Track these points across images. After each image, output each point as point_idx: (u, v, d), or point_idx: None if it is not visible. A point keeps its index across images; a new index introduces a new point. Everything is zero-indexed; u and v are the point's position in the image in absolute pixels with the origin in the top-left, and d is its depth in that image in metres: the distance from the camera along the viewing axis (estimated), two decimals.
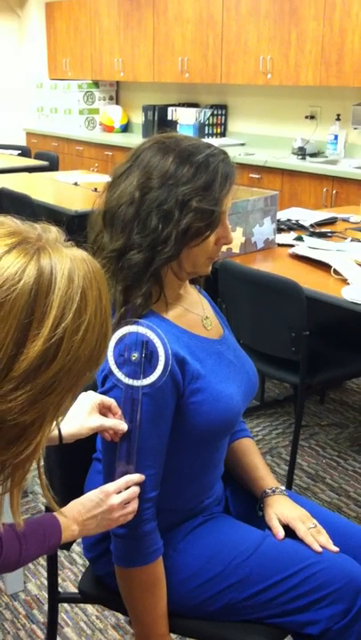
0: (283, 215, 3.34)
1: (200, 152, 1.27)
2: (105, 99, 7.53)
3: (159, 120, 6.38)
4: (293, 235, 3.04)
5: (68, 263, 0.81)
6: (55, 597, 1.55)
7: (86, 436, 1.25)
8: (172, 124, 6.14)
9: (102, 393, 1.28)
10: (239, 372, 1.40)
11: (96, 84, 7.45)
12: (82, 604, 2.07)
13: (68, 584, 2.14)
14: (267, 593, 1.32)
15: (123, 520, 1.24)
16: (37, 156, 6.20)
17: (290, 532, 1.41)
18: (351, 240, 2.97)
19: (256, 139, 5.92)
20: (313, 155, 5.18)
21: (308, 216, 3.36)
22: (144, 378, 1.23)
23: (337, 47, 4.76)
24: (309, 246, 2.81)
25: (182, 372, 1.27)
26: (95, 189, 4.16)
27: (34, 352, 0.77)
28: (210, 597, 1.34)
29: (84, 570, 1.54)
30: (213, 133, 6.15)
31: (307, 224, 3.21)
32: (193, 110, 6.16)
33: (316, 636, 1.32)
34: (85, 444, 1.33)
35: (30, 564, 2.20)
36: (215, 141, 5.78)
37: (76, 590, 1.52)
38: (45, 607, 1.85)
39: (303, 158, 5.10)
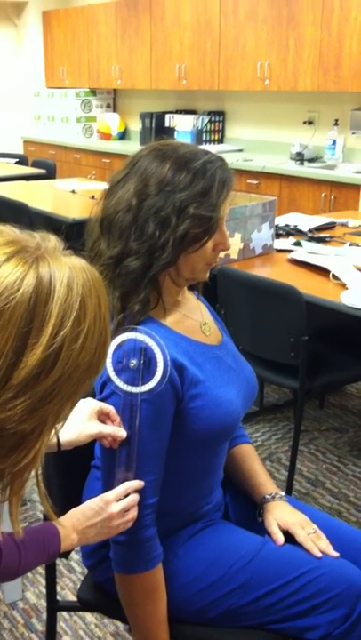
0: (281, 220, 3.34)
1: (197, 159, 1.27)
2: (102, 106, 7.55)
3: (157, 127, 6.39)
4: (292, 240, 3.04)
5: (67, 271, 0.81)
6: (54, 606, 1.55)
7: (85, 442, 1.25)
8: (170, 131, 6.15)
9: (101, 400, 1.27)
10: (238, 378, 1.40)
11: (93, 91, 7.47)
12: (81, 613, 2.07)
13: (67, 592, 2.13)
14: (267, 598, 1.32)
15: (122, 528, 1.24)
16: (35, 164, 6.21)
17: (290, 537, 1.40)
18: (350, 245, 2.97)
19: (254, 144, 5.93)
20: (311, 160, 5.19)
21: (306, 221, 3.36)
22: (143, 384, 1.23)
23: (335, 52, 4.78)
24: (308, 251, 2.81)
25: (181, 377, 1.27)
26: (93, 197, 4.17)
27: (33, 360, 0.77)
28: (210, 603, 1.33)
29: (82, 578, 1.54)
30: (211, 140, 6.16)
31: (305, 229, 3.21)
32: (190, 117, 6.17)
33: None
34: (84, 451, 1.33)
35: (29, 573, 2.19)
36: (213, 148, 5.79)
37: (75, 599, 1.52)
38: (44, 616, 1.84)
39: (301, 163, 5.11)
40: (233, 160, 5.22)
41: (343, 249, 2.89)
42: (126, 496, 1.24)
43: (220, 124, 6.21)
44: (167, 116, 6.39)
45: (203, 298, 1.50)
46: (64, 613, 2.06)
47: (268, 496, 1.48)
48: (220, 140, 6.22)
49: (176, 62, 6.13)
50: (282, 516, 1.43)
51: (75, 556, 2.25)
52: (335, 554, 1.37)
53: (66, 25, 7.56)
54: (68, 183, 4.99)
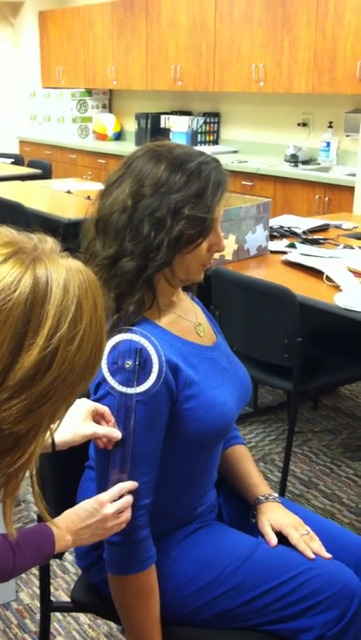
0: (275, 222, 3.35)
1: (192, 160, 1.27)
2: (98, 107, 7.55)
3: (152, 128, 6.39)
4: (286, 242, 3.05)
5: (64, 273, 0.82)
6: (47, 606, 1.55)
7: (80, 443, 1.25)
8: (165, 132, 6.16)
9: (95, 400, 1.27)
10: (232, 379, 1.41)
11: (89, 92, 7.47)
12: (74, 614, 2.06)
13: (61, 593, 2.13)
14: (260, 600, 1.32)
15: (117, 529, 1.24)
16: (30, 164, 6.21)
17: (283, 538, 1.41)
18: (343, 247, 2.98)
19: (249, 146, 5.94)
20: (305, 162, 5.20)
21: (300, 223, 3.37)
22: (138, 385, 1.23)
23: (329, 55, 4.79)
24: (302, 253, 2.82)
25: (176, 378, 1.27)
26: (88, 197, 4.17)
27: (29, 361, 0.78)
28: (203, 604, 1.34)
29: (76, 579, 1.54)
30: (206, 141, 6.17)
31: (299, 231, 3.22)
32: (186, 118, 6.18)
33: None
34: (78, 452, 1.33)
35: (23, 574, 2.19)
36: (208, 149, 5.79)
37: (69, 599, 1.52)
38: (38, 616, 1.84)
39: (296, 165, 5.12)
40: (228, 161, 5.23)
41: (337, 251, 2.89)
42: (120, 497, 1.24)
43: (216, 126, 6.22)
44: (163, 116, 6.40)
45: (197, 299, 1.50)
46: (58, 614, 2.06)
47: (261, 497, 1.48)
48: (215, 142, 6.23)
49: (172, 63, 6.14)
50: (275, 517, 1.44)
51: (69, 556, 2.25)
52: (328, 555, 1.37)
53: (62, 25, 7.55)
54: (64, 183, 4.99)
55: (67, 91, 7.43)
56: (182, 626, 1.36)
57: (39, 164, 6.11)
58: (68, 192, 4.60)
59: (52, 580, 2.09)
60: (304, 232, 3.21)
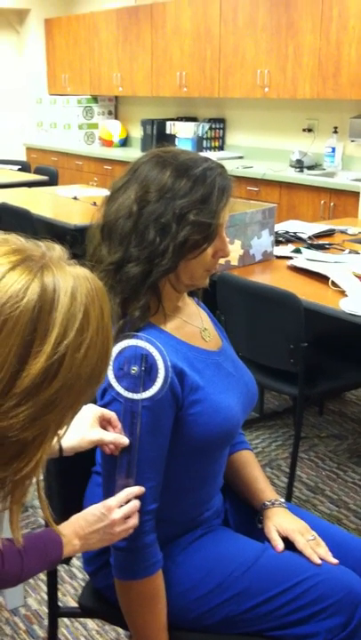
0: (281, 227, 3.35)
1: (197, 166, 1.28)
2: (104, 113, 7.58)
3: (158, 134, 6.41)
4: (291, 247, 3.05)
5: (71, 281, 0.82)
6: (55, 612, 1.55)
7: (87, 449, 1.25)
8: (171, 138, 6.17)
9: (102, 406, 1.28)
10: (238, 384, 1.41)
11: (95, 98, 7.50)
12: (82, 619, 2.06)
13: (69, 599, 2.13)
14: (266, 605, 1.32)
15: (124, 534, 1.24)
16: (37, 171, 6.23)
17: (289, 544, 1.40)
18: (349, 252, 2.98)
19: (254, 152, 5.95)
20: (311, 167, 5.21)
21: (306, 228, 3.37)
22: (144, 391, 1.23)
23: (334, 60, 4.80)
24: (307, 258, 2.82)
25: (181, 383, 1.27)
26: (94, 203, 4.18)
27: (36, 369, 0.78)
28: (209, 610, 1.34)
29: (84, 584, 1.54)
30: (211, 147, 6.18)
31: (305, 236, 3.22)
32: (191, 124, 6.19)
33: None
34: (85, 457, 1.34)
35: (30, 579, 2.19)
36: (213, 155, 5.81)
37: (77, 605, 1.52)
38: (46, 622, 1.84)
39: (301, 171, 5.13)
40: (233, 167, 5.24)
41: (342, 256, 2.89)
42: (127, 502, 1.24)
43: (221, 132, 6.23)
44: (168, 123, 6.42)
45: (202, 304, 1.51)
46: (65, 620, 2.06)
47: (267, 502, 1.48)
48: (221, 147, 6.24)
49: (177, 70, 6.16)
50: (281, 522, 1.44)
51: (76, 562, 2.25)
52: (334, 561, 1.37)
53: (67, 32, 7.59)
54: (70, 190, 5.01)
55: (73, 97, 7.46)
56: (187, 631, 1.36)
57: (45, 170, 6.14)
58: (75, 198, 4.62)
59: (59, 586, 2.10)
60: (309, 237, 3.22)
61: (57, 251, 0.86)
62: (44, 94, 8.02)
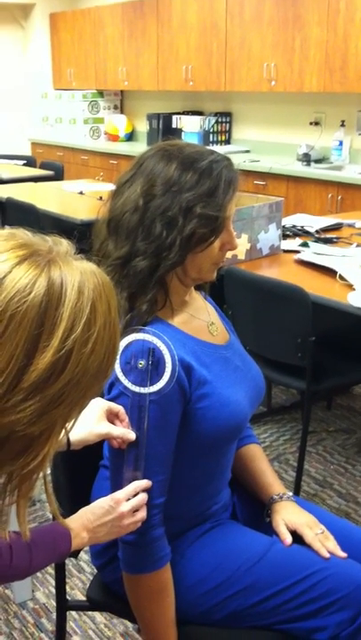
0: (288, 221, 3.34)
1: (203, 158, 1.27)
2: (110, 108, 7.57)
3: (164, 128, 6.40)
4: (299, 241, 3.04)
5: (78, 276, 0.82)
6: (63, 605, 1.55)
7: (94, 442, 1.26)
8: (177, 132, 6.16)
9: (109, 400, 1.28)
10: (246, 378, 1.40)
11: (100, 93, 7.49)
12: (90, 613, 2.07)
13: (77, 592, 2.14)
14: (274, 599, 1.32)
15: (133, 527, 1.24)
16: (43, 166, 6.23)
17: (297, 538, 1.40)
18: (357, 246, 2.97)
19: (261, 145, 5.93)
20: (318, 161, 5.19)
21: (313, 222, 3.36)
22: (151, 385, 1.23)
23: (341, 53, 4.77)
24: (315, 252, 2.81)
25: (189, 378, 1.27)
26: (100, 198, 4.18)
27: (43, 363, 0.78)
28: (217, 604, 1.34)
29: (92, 578, 1.54)
30: (218, 141, 6.17)
31: (312, 230, 3.21)
32: (197, 118, 6.18)
33: None
34: (92, 451, 1.34)
35: (38, 573, 2.20)
36: (220, 149, 5.79)
37: (85, 598, 1.52)
38: (54, 616, 1.85)
39: (308, 164, 5.10)
40: (240, 161, 5.22)
41: (350, 250, 2.88)
42: (135, 495, 1.24)
43: (227, 125, 6.21)
44: (174, 117, 6.40)
45: (210, 298, 1.50)
46: (74, 613, 2.06)
47: (275, 496, 1.48)
48: (227, 141, 6.22)
49: (183, 64, 6.14)
50: (290, 516, 1.43)
51: (84, 556, 2.25)
52: (343, 555, 1.37)
53: (73, 27, 7.58)
54: (76, 185, 5.01)
55: (78, 92, 7.45)
56: (196, 625, 1.36)
57: (51, 165, 6.14)
58: (81, 193, 4.62)
59: (67, 580, 2.10)
60: (317, 231, 3.20)
61: (64, 245, 0.86)
62: (50, 89, 8.02)
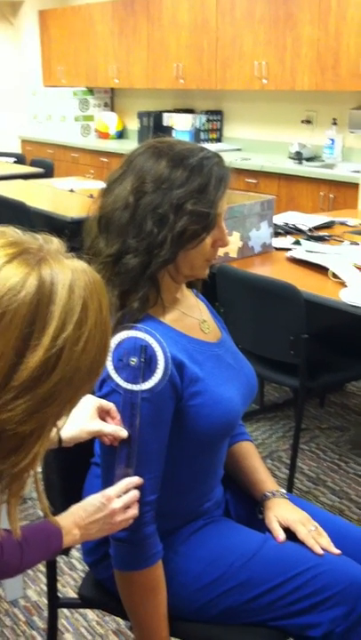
0: (280, 219, 3.34)
1: (194, 155, 1.27)
2: (100, 105, 7.55)
3: (155, 126, 6.39)
4: (291, 239, 3.04)
5: (69, 274, 0.82)
6: (55, 603, 1.55)
7: (85, 439, 1.25)
8: (168, 130, 6.15)
9: (100, 397, 1.27)
10: (238, 375, 1.40)
11: (91, 90, 7.47)
12: (82, 610, 2.07)
13: (69, 590, 2.13)
14: (268, 596, 1.32)
15: (124, 524, 1.24)
16: (33, 164, 6.21)
17: (291, 535, 1.40)
18: (349, 243, 2.97)
19: (252, 144, 5.93)
20: (310, 159, 5.19)
21: (305, 220, 3.36)
22: (143, 382, 1.23)
23: (333, 51, 4.78)
24: (307, 250, 2.81)
25: (181, 375, 1.27)
26: (91, 196, 4.16)
27: (34, 362, 0.78)
28: (211, 600, 1.33)
29: (84, 575, 1.54)
30: (209, 139, 6.16)
31: (304, 228, 3.21)
32: (189, 116, 6.17)
33: (318, 639, 1.31)
34: (83, 448, 1.33)
35: (30, 571, 2.19)
36: (211, 147, 5.76)
37: (77, 596, 1.52)
38: (45, 613, 1.85)
39: (300, 163, 5.11)
40: (231, 159, 5.22)
41: (342, 247, 2.89)
42: (127, 492, 1.24)
43: (219, 124, 6.21)
44: (165, 115, 6.40)
45: (202, 296, 1.50)
46: (65, 611, 2.06)
47: (268, 493, 1.48)
48: (219, 140, 6.22)
49: (173, 61, 6.13)
50: (282, 513, 1.43)
51: (76, 553, 2.25)
52: (337, 551, 1.37)
53: (63, 24, 7.56)
54: (67, 182, 5.00)
55: (68, 89, 7.43)
56: (190, 622, 1.36)
57: (41, 162, 6.12)
58: (71, 191, 4.61)
59: (59, 577, 2.10)
60: (309, 229, 3.21)
61: (54, 244, 0.86)
62: (40, 86, 7.99)
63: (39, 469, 0.92)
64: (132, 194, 1.25)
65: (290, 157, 5.23)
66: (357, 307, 2.22)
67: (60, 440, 1.22)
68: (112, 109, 7.60)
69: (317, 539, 1.38)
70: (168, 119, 6.35)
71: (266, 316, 2.46)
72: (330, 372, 2.57)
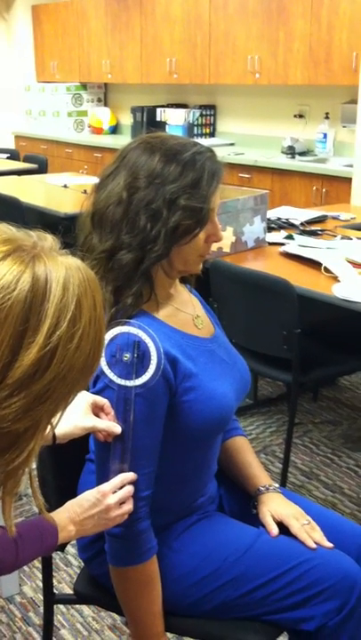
0: (273, 214, 3.34)
1: (186, 150, 1.27)
2: (93, 101, 7.53)
3: (148, 121, 6.38)
4: (284, 233, 3.04)
5: (63, 271, 0.82)
6: (50, 599, 1.55)
7: (80, 436, 1.25)
8: (161, 125, 6.14)
9: (94, 394, 1.27)
10: (231, 370, 1.41)
11: (84, 86, 7.45)
12: (78, 606, 2.07)
13: (64, 586, 2.14)
14: (262, 590, 1.32)
15: (120, 520, 1.24)
16: (26, 159, 6.19)
17: (284, 529, 1.41)
18: (341, 238, 2.98)
19: (245, 138, 5.93)
20: (302, 153, 5.19)
21: (298, 214, 3.37)
22: (136, 378, 1.23)
23: (325, 46, 4.77)
24: (300, 244, 2.82)
25: (174, 370, 1.27)
26: (85, 191, 4.15)
27: (28, 359, 0.78)
28: (205, 595, 1.34)
29: (79, 571, 1.54)
30: (203, 134, 6.15)
31: (297, 222, 3.22)
32: (182, 111, 6.16)
33: (311, 633, 1.32)
34: (78, 445, 1.33)
35: (25, 567, 2.20)
36: (204, 142, 5.77)
37: (72, 592, 1.52)
38: (41, 609, 1.85)
39: (293, 157, 5.11)
40: (225, 154, 5.21)
41: (335, 242, 2.89)
42: (122, 488, 1.24)
43: (212, 118, 6.20)
44: (158, 110, 6.38)
45: (195, 291, 1.50)
46: (61, 607, 2.06)
47: (262, 488, 1.48)
48: (212, 134, 6.21)
49: (167, 56, 6.11)
50: (276, 507, 1.44)
51: (71, 549, 2.25)
52: (330, 545, 1.37)
53: (56, 19, 7.52)
54: (60, 178, 4.98)
55: (61, 85, 7.40)
56: (184, 617, 1.37)
57: (35, 158, 6.10)
58: (65, 186, 4.59)
59: (54, 573, 2.10)
60: (302, 223, 3.21)
61: (48, 241, 0.86)
62: (33, 82, 7.95)
63: (34, 466, 0.92)
64: (125, 189, 1.25)
65: (283, 152, 5.23)
66: (350, 301, 2.23)
67: (54, 437, 1.22)
68: (105, 105, 7.58)
69: (310, 533, 1.39)
70: (161, 114, 6.34)
71: (259, 310, 2.47)
72: (323, 367, 2.58)
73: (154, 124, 6.20)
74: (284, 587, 1.32)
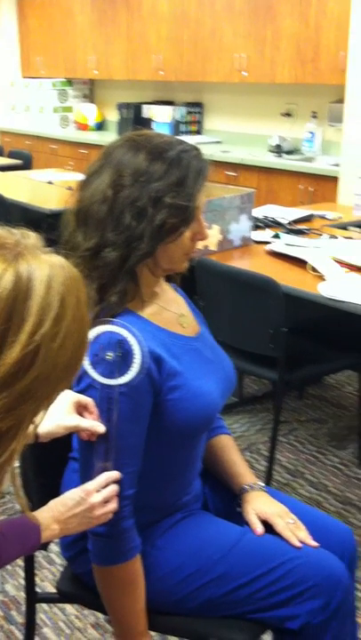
0: (259, 212, 3.34)
1: (172, 148, 1.27)
2: (79, 97, 7.49)
3: (134, 118, 6.36)
4: (270, 232, 3.04)
5: (47, 269, 0.81)
6: (33, 598, 1.54)
7: (62, 434, 1.25)
8: (148, 122, 6.13)
9: (78, 392, 1.27)
10: (217, 369, 1.40)
11: (70, 81, 7.41)
12: (61, 604, 2.06)
13: (47, 584, 2.13)
14: (246, 588, 1.32)
15: (104, 519, 1.24)
16: (11, 155, 6.15)
17: (269, 528, 1.41)
18: (328, 237, 2.98)
19: (232, 136, 5.93)
20: (289, 152, 5.20)
21: (284, 213, 3.37)
22: (120, 377, 1.23)
23: (313, 44, 4.78)
24: (286, 243, 2.82)
25: (159, 369, 1.27)
26: (70, 188, 4.13)
27: (11, 358, 0.77)
28: (189, 593, 1.34)
29: (62, 570, 1.53)
30: (189, 131, 6.15)
31: (284, 221, 3.22)
32: (168, 108, 6.15)
33: (295, 631, 1.32)
34: (61, 443, 1.33)
35: (8, 565, 2.18)
36: (191, 139, 5.76)
37: (55, 590, 1.51)
38: (24, 608, 1.84)
39: (280, 156, 5.11)
40: (211, 152, 5.21)
41: (321, 241, 2.90)
42: (106, 486, 1.23)
43: (199, 116, 6.19)
44: (145, 106, 6.37)
45: (180, 290, 1.50)
46: (44, 605, 2.05)
47: (246, 486, 1.48)
48: (199, 132, 6.20)
49: (153, 53, 6.10)
50: (261, 506, 1.44)
51: (54, 547, 2.24)
52: (314, 544, 1.38)
53: (41, 14, 7.48)
54: (45, 174, 4.96)
55: (47, 80, 7.36)
56: (168, 615, 1.37)
57: (19, 154, 6.06)
58: (50, 183, 4.57)
59: (37, 572, 2.09)
60: (288, 222, 3.21)
61: (32, 238, 0.85)
62: (18, 77, 7.91)
63: (16, 465, 0.91)
64: (110, 187, 1.24)
65: (270, 150, 5.23)
66: (336, 300, 2.23)
67: (36, 435, 1.21)
68: (91, 101, 7.55)
69: (295, 531, 1.39)
70: (148, 111, 6.32)
71: (245, 309, 2.47)
72: (309, 365, 2.59)
73: (140, 121, 6.19)
74: (269, 585, 1.32)
